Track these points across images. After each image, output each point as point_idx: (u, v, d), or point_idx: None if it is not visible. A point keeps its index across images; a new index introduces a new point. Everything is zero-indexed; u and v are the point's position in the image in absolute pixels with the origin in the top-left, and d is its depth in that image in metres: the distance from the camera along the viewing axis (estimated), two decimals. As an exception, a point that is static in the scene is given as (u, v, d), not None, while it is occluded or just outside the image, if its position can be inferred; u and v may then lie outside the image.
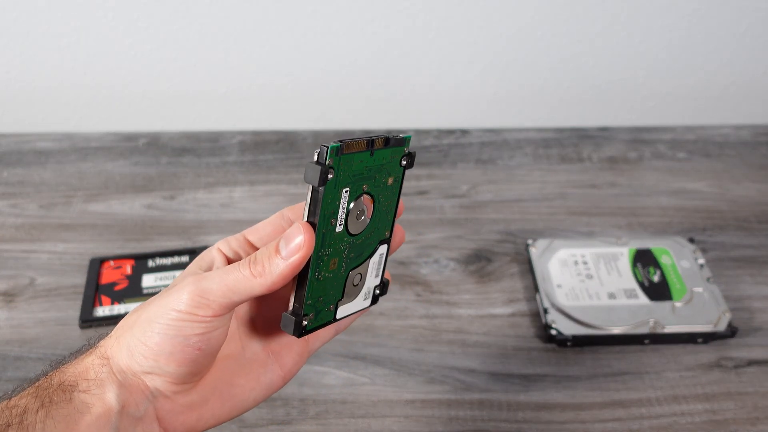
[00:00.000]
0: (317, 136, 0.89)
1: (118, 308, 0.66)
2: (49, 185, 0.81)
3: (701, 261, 0.68)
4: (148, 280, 0.68)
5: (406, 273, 0.70)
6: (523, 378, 0.61)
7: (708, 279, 0.66)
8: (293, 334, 0.38)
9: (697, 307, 0.64)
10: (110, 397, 0.36)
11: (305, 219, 0.37)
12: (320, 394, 0.59)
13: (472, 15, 0.86)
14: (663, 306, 0.64)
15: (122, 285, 0.68)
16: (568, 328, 0.63)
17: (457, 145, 0.88)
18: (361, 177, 0.39)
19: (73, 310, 0.66)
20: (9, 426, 0.34)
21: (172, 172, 0.83)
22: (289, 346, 0.42)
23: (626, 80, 0.93)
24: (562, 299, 0.65)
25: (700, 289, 0.65)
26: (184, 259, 0.70)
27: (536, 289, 0.67)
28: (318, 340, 0.44)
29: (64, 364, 0.38)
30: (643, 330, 0.62)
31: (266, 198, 0.79)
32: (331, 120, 0.93)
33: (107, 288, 0.67)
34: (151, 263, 0.70)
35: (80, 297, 0.67)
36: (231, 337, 0.41)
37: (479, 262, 0.71)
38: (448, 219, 0.77)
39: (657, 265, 0.68)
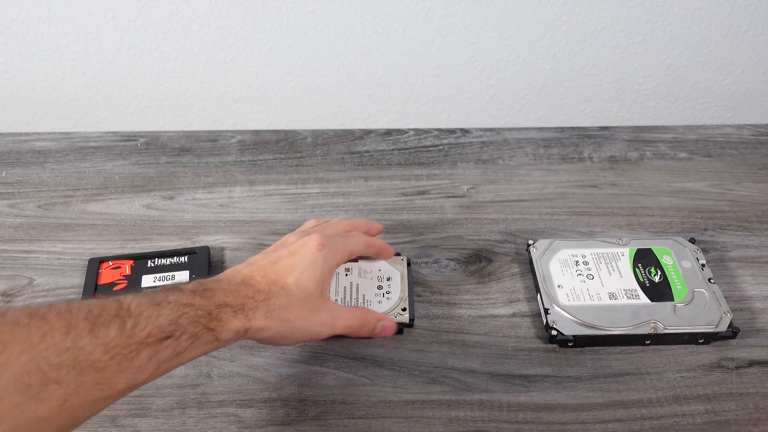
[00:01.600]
0: (317, 136, 0.89)
1: (117, 308, 0.65)
2: (48, 185, 0.81)
3: (703, 261, 0.68)
4: (147, 281, 0.68)
5: (406, 273, 0.70)
6: (524, 378, 0.61)
7: (710, 279, 0.66)
8: None
9: (698, 307, 0.64)
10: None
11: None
12: (320, 395, 0.59)
13: (472, 15, 0.86)
14: (664, 306, 0.64)
15: (121, 285, 0.68)
16: (569, 329, 0.62)
17: (457, 145, 0.88)
18: None
19: (72, 311, 0.66)
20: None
21: (171, 172, 0.83)
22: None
23: (626, 80, 0.93)
24: (563, 299, 0.65)
25: (701, 290, 0.65)
26: (184, 259, 0.70)
27: (537, 289, 0.67)
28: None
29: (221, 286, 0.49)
30: (644, 330, 0.62)
31: (266, 198, 0.79)
32: (331, 120, 0.93)
33: (106, 288, 0.67)
34: (150, 263, 0.70)
35: (79, 297, 0.67)
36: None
37: (479, 263, 0.71)
38: (448, 219, 0.77)
39: (658, 265, 0.67)
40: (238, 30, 0.86)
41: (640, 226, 0.75)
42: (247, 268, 0.54)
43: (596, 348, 0.63)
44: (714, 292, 0.65)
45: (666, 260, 0.68)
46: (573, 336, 0.62)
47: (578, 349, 0.63)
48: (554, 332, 0.62)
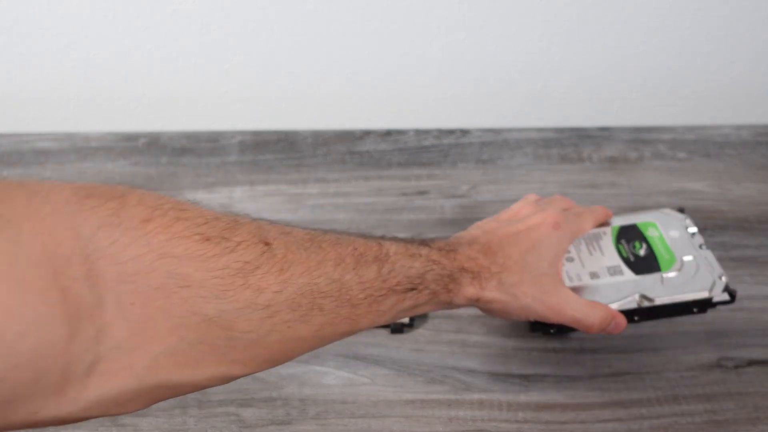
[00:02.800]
0: (317, 136, 0.89)
1: (117, 308, 0.65)
2: (49, 185, 0.81)
3: (693, 230, 0.62)
4: (147, 280, 0.68)
5: (406, 273, 0.70)
6: (523, 378, 0.61)
7: (700, 246, 0.61)
8: None
9: (688, 275, 0.58)
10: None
11: None
12: (320, 394, 0.59)
13: (472, 15, 0.86)
14: (651, 278, 0.58)
15: (122, 285, 0.68)
16: None
17: (457, 145, 0.88)
18: None
19: (73, 310, 0.66)
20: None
21: (172, 172, 0.83)
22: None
23: (626, 80, 0.93)
24: None
25: (690, 257, 0.59)
26: (184, 259, 0.70)
27: None
28: None
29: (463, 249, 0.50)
30: (631, 306, 0.57)
31: (266, 198, 0.79)
32: (331, 120, 0.93)
33: (107, 288, 0.67)
34: (150, 263, 0.70)
35: (80, 297, 0.67)
36: None
37: (479, 262, 0.71)
38: (448, 219, 0.77)
39: (643, 238, 0.62)
40: (238, 30, 0.86)
41: (639, 226, 0.76)
42: (484, 236, 0.53)
43: (596, 347, 0.63)
44: (706, 258, 0.60)
45: (651, 233, 0.62)
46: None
47: (578, 348, 0.63)
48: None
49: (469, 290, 0.49)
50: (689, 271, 0.59)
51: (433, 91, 0.92)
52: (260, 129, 0.91)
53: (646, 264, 0.59)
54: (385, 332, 0.64)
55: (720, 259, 0.71)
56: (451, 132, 0.90)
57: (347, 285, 0.40)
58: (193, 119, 0.93)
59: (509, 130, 0.90)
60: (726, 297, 0.57)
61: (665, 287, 0.58)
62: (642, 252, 0.60)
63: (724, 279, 0.58)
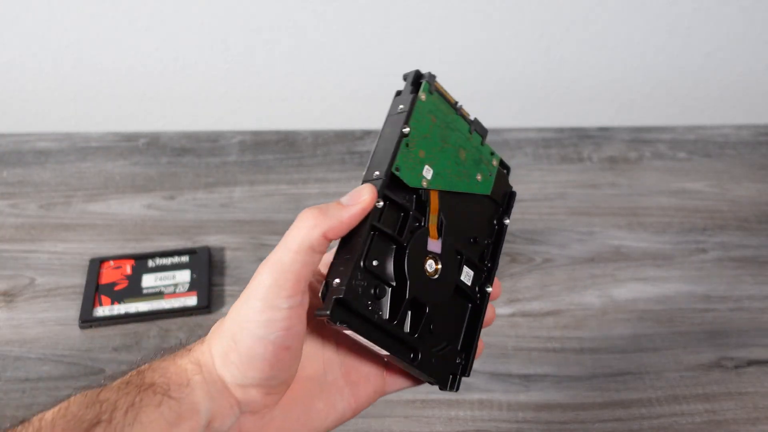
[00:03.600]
0: (317, 136, 0.89)
1: (117, 308, 0.66)
2: (49, 185, 0.81)
3: None
4: (147, 280, 0.68)
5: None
6: (524, 378, 0.61)
7: None
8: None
9: None
10: (201, 409, 0.35)
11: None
12: (320, 394, 0.59)
13: (472, 15, 0.86)
14: None
15: (122, 285, 0.68)
16: None
17: (457, 145, 0.88)
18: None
19: (73, 310, 0.66)
20: (98, 423, 0.33)
21: (172, 172, 0.83)
22: (366, 378, 0.42)
23: (626, 80, 0.93)
24: None
25: None
26: (184, 259, 0.70)
27: None
28: (395, 384, 0.43)
29: (156, 360, 0.37)
30: None
31: (266, 198, 0.79)
32: (331, 120, 0.93)
33: (107, 288, 0.67)
34: (150, 263, 0.70)
35: (80, 297, 0.67)
36: (314, 356, 0.40)
37: (479, 262, 0.71)
38: (448, 219, 0.77)
39: None
40: (238, 30, 0.86)
41: (639, 226, 0.76)
42: None
43: (596, 348, 0.63)
44: None
45: None
46: None
47: (578, 348, 0.63)
48: None
49: (211, 368, 0.39)
50: None
51: (433, 91, 0.92)
52: (260, 129, 0.91)
53: None
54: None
55: (720, 259, 0.71)
56: (451, 132, 0.90)
57: None
58: (193, 119, 0.93)
59: (509, 130, 0.90)
60: None
61: None
62: None
63: None
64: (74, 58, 0.87)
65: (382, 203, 0.37)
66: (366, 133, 0.89)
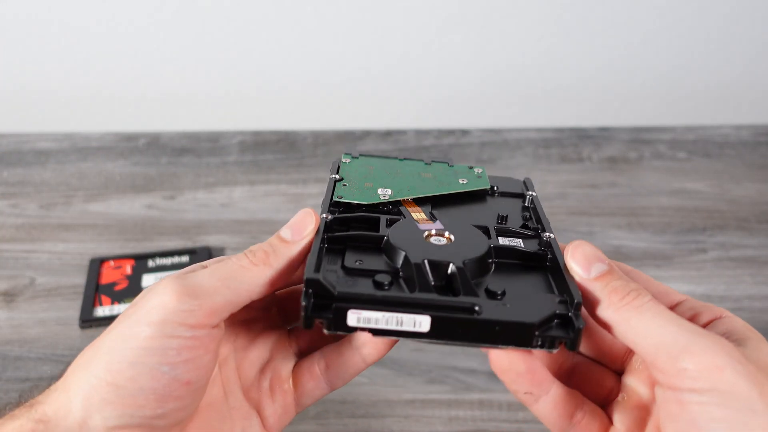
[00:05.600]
0: (317, 136, 0.89)
1: (118, 308, 0.66)
2: (49, 185, 0.81)
3: None
4: (148, 280, 0.68)
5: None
6: (523, 378, 0.61)
7: None
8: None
9: None
10: None
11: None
12: (320, 394, 0.59)
13: (473, 15, 0.86)
14: None
15: (122, 285, 0.68)
16: None
17: (457, 145, 0.88)
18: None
19: (73, 310, 0.66)
20: None
21: (172, 172, 0.83)
22: (270, 395, 0.34)
23: (626, 80, 0.93)
24: None
25: None
26: (184, 259, 0.70)
27: None
28: (308, 395, 0.35)
29: None
30: None
31: (266, 198, 0.79)
32: (331, 120, 0.93)
33: (107, 288, 0.67)
34: (151, 263, 0.70)
35: (80, 297, 0.67)
36: (212, 379, 0.32)
37: (479, 262, 0.71)
38: (448, 219, 0.77)
39: None
40: (238, 31, 0.86)
41: (639, 226, 0.76)
42: None
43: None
44: None
45: None
46: None
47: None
48: None
49: (67, 417, 0.30)
50: None
51: (433, 91, 0.92)
52: (260, 129, 0.91)
53: None
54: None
55: (720, 259, 0.71)
56: (451, 132, 0.90)
57: None
58: (193, 119, 0.93)
59: (509, 130, 0.90)
60: None
61: None
62: None
63: None
64: (74, 58, 0.87)
65: (329, 216, 0.33)
66: (366, 133, 0.89)
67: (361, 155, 0.41)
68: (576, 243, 0.32)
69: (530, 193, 0.40)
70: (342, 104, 0.93)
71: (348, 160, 0.40)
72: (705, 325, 0.31)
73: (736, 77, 0.93)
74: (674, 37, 0.89)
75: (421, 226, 0.34)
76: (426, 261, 0.30)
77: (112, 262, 0.70)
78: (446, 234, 0.33)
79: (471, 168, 0.42)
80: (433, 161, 0.41)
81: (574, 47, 0.89)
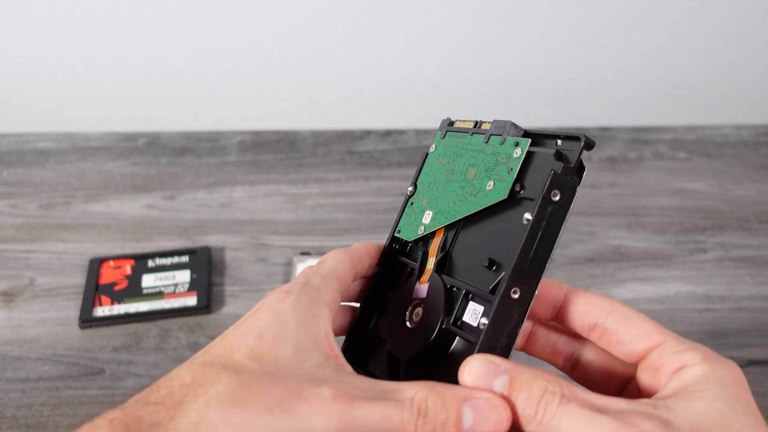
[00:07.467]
0: (317, 136, 0.89)
1: (117, 308, 0.66)
2: (49, 185, 0.81)
3: None
4: (147, 280, 0.68)
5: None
6: (523, 378, 0.61)
7: None
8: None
9: None
10: None
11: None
12: (320, 394, 0.59)
13: (472, 15, 0.86)
14: None
15: (122, 285, 0.68)
16: None
17: (457, 145, 0.88)
18: None
19: (73, 310, 0.66)
20: None
21: (172, 172, 0.83)
22: None
23: (626, 80, 0.93)
24: None
25: None
26: (184, 259, 0.70)
27: None
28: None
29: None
30: None
31: (266, 198, 0.79)
32: (331, 120, 0.93)
33: (107, 288, 0.67)
34: (150, 263, 0.70)
35: (80, 297, 0.67)
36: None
37: (479, 262, 0.71)
38: (448, 219, 0.77)
39: None
40: (238, 30, 0.86)
41: (639, 226, 0.76)
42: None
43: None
44: None
45: None
46: None
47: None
48: None
49: None
50: None
51: (433, 91, 0.92)
52: (260, 129, 0.91)
53: None
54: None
55: (720, 259, 0.71)
56: (451, 132, 0.90)
57: None
58: (193, 119, 0.93)
59: (509, 130, 0.90)
60: None
61: None
62: None
63: None
64: (74, 58, 0.87)
65: (377, 269, 0.39)
66: (366, 133, 0.89)
67: (450, 132, 0.40)
68: (465, 362, 0.31)
69: (526, 215, 0.32)
70: (342, 104, 0.93)
71: (434, 147, 0.41)
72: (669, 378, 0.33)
73: (736, 77, 0.93)
74: (674, 38, 0.89)
75: (417, 292, 0.37)
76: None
77: (111, 262, 0.70)
78: (419, 309, 0.36)
79: (516, 146, 0.35)
80: (490, 135, 0.37)
81: (575, 47, 0.89)
